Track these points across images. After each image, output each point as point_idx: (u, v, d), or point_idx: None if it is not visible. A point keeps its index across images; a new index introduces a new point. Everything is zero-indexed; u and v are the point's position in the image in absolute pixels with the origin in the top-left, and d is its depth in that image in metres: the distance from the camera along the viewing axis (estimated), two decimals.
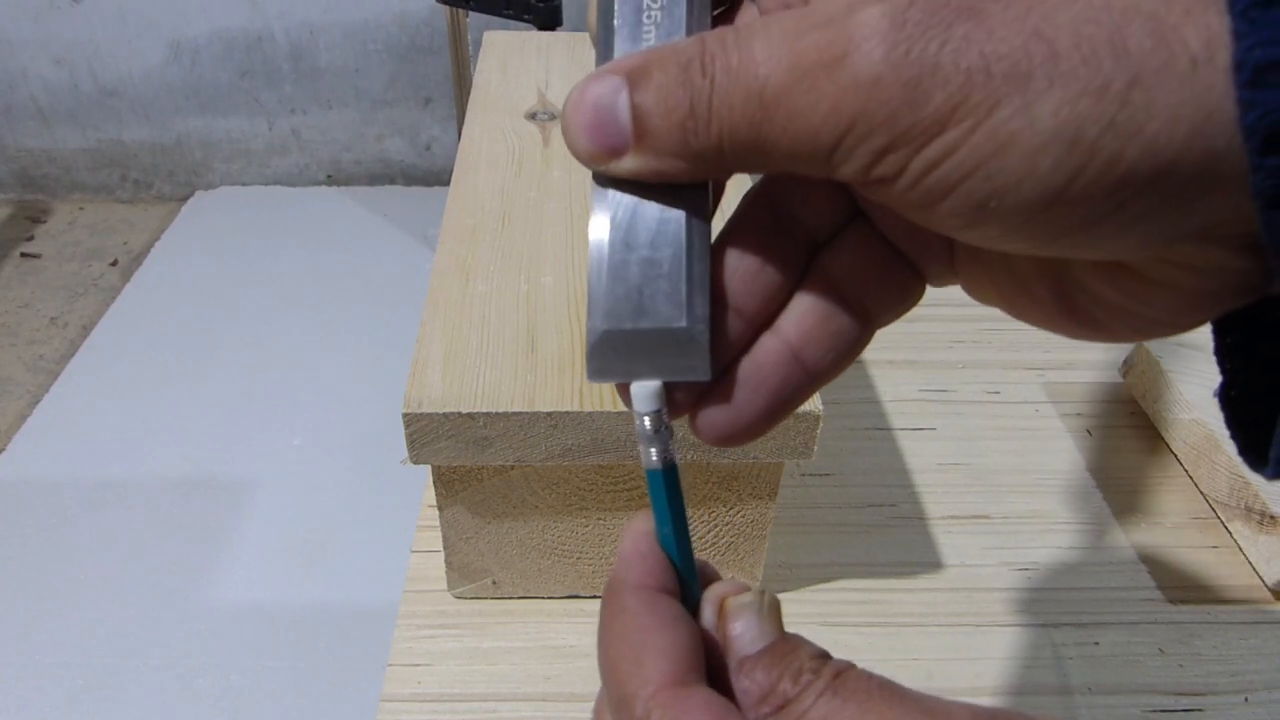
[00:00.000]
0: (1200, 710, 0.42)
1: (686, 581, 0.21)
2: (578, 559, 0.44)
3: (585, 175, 0.57)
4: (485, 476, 0.40)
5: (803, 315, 0.21)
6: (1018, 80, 0.15)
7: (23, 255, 2.13)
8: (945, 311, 0.63)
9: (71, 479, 1.51)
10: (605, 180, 0.20)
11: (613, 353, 0.20)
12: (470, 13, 1.56)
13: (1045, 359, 0.61)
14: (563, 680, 0.42)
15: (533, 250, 0.45)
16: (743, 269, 0.21)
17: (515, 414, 0.36)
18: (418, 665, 0.42)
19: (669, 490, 0.21)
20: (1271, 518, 0.47)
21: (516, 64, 0.63)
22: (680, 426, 0.21)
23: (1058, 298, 0.20)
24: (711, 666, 0.19)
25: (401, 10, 2.14)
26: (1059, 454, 0.55)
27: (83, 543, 1.40)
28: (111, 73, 2.19)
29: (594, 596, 0.45)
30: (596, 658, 0.20)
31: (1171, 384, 0.55)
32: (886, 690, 0.18)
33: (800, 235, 0.21)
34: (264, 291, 1.95)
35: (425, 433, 0.36)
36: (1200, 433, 0.52)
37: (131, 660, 1.26)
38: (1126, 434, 0.56)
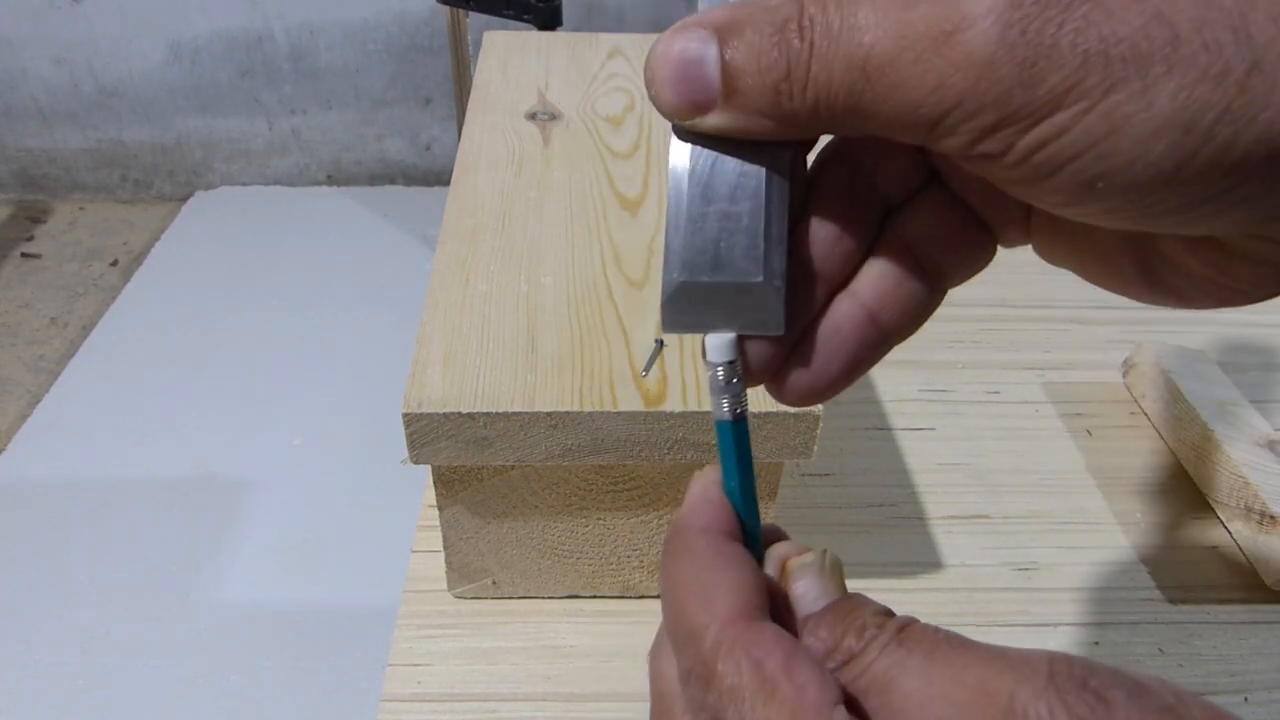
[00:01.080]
0: None
1: (752, 535, 0.21)
2: (578, 559, 0.44)
3: (585, 176, 0.56)
4: (485, 476, 0.40)
5: (878, 278, 0.21)
6: (1136, 64, 0.15)
7: (23, 255, 2.13)
8: (945, 311, 0.63)
9: (71, 479, 1.51)
10: (686, 133, 0.19)
11: (688, 304, 0.20)
12: (470, 13, 1.56)
13: (1045, 359, 0.61)
14: (563, 680, 0.42)
15: (533, 250, 0.45)
16: (818, 232, 0.21)
17: (515, 414, 0.36)
18: (418, 665, 0.42)
19: (738, 443, 0.21)
20: (1271, 518, 0.47)
21: (516, 64, 0.63)
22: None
23: (1140, 268, 0.20)
24: (775, 619, 0.19)
25: (401, 10, 2.14)
26: (1059, 454, 0.55)
27: (83, 543, 1.40)
28: (112, 73, 2.19)
29: (594, 596, 0.45)
30: (661, 599, 0.20)
31: (1171, 384, 0.55)
32: (955, 641, 0.17)
33: (874, 198, 0.21)
34: (264, 291, 1.95)
35: (425, 433, 0.36)
36: (1200, 433, 0.52)
37: (131, 660, 1.26)
38: (1126, 434, 0.56)
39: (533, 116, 0.56)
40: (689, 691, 0.18)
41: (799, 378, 0.21)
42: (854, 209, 0.21)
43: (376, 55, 2.20)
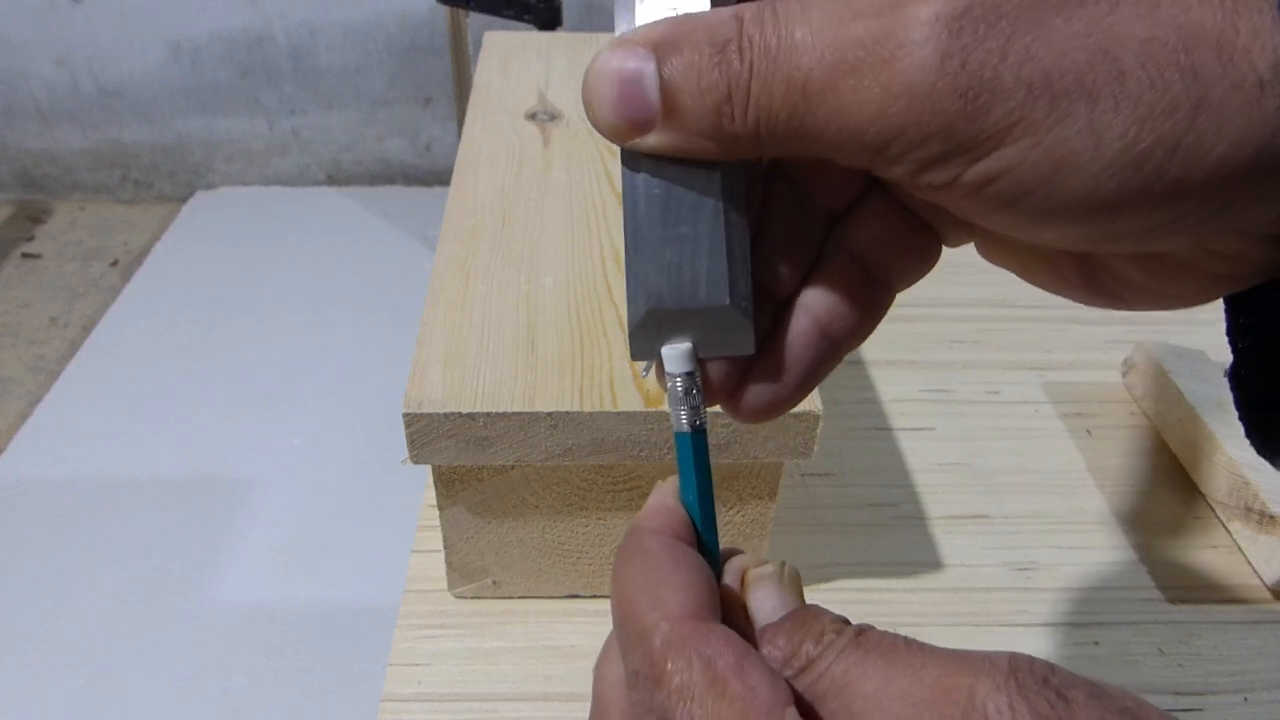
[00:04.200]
0: (1200, 710, 0.42)
1: (708, 547, 0.21)
2: (578, 559, 0.44)
3: (585, 176, 0.56)
4: (485, 476, 0.40)
5: (826, 290, 0.21)
6: (1083, 98, 0.15)
7: (23, 255, 2.13)
8: (945, 312, 0.63)
9: (71, 479, 1.51)
10: (634, 159, 0.19)
11: (656, 331, 0.20)
12: (470, 13, 1.56)
13: (1045, 359, 0.61)
14: (563, 680, 0.42)
15: (533, 250, 0.45)
16: (763, 249, 0.21)
17: (515, 414, 0.36)
18: (418, 665, 0.42)
19: (696, 455, 0.21)
20: (1271, 518, 0.47)
21: (516, 64, 0.63)
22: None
23: (1082, 275, 0.20)
24: (733, 629, 0.19)
25: (401, 10, 2.14)
26: (1059, 454, 0.55)
27: (83, 543, 1.40)
28: (112, 73, 2.19)
29: (594, 596, 0.45)
30: (611, 600, 0.19)
31: (1171, 384, 0.55)
32: (913, 644, 0.17)
33: (817, 210, 0.21)
34: (264, 291, 1.95)
35: (425, 433, 0.36)
36: (1200, 433, 0.52)
37: (131, 660, 1.26)
38: (1126, 434, 0.56)
39: (533, 116, 0.56)
40: (637, 694, 0.18)
41: (756, 395, 0.21)
42: (797, 224, 0.21)
43: (376, 55, 2.20)
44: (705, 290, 0.19)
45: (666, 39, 0.17)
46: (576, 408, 0.36)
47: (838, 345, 0.21)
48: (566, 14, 1.53)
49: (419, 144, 2.34)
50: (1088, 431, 0.56)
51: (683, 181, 0.19)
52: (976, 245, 0.22)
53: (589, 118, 0.18)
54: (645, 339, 0.20)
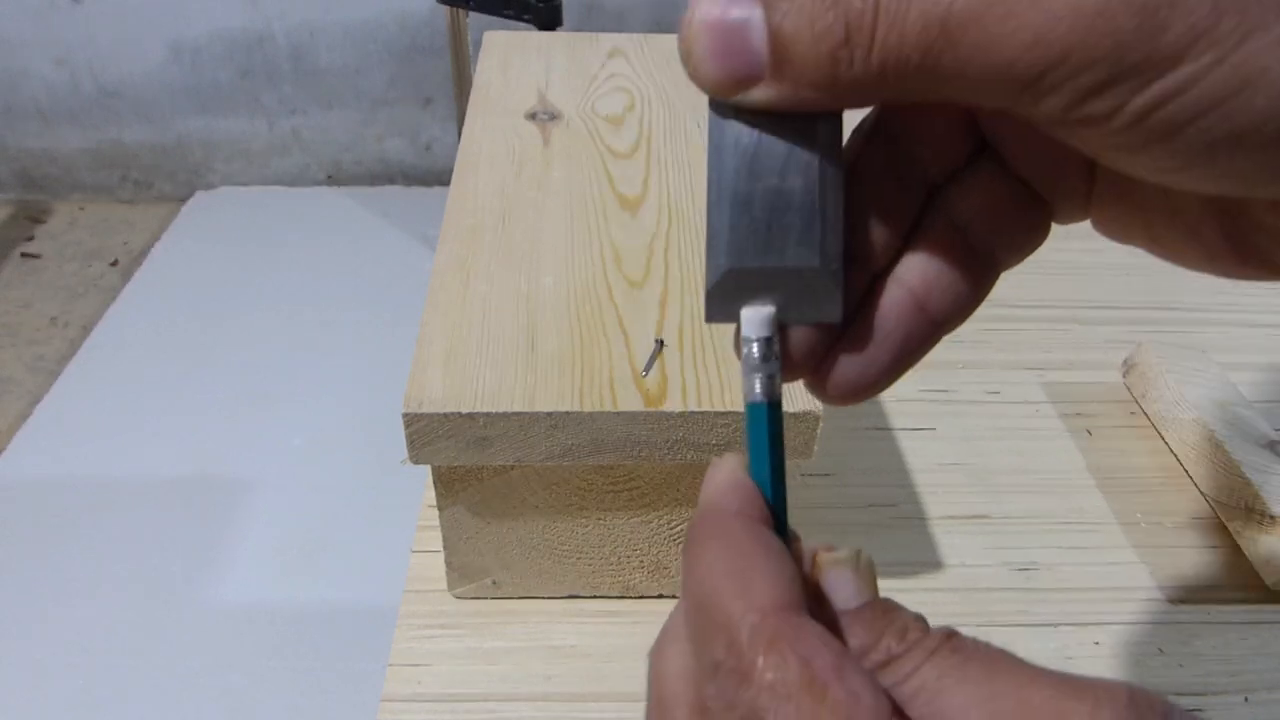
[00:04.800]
0: (1200, 710, 0.42)
1: (782, 524, 0.19)
2: (578, 559, 0.44)
3: (585, 176, 0.56)
4: (485, 476, 0.40)
5: (924, 261, 0.19)
6: (1275, 8, 0.14)
7: (23, 255, 2.13)
8: None
9: (71, 479, 1.51)
10: (725, 106, 0.17)
11: (735, 291, 0.18)
12: (470, 13, 1.56)
13: (1045, 359, 0.61)
14: (563, 680, 0.42)
15: (533, 250, 0.45)
16: (858, 213, 0.19)
17: (515, 414, 0.36)
18: (418, 665, 0.42)
19: (771, 427, 0.19)
20: (1271, 518, 0.47)
21: (516, 64, 0.63)
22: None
23: (1227, 237, 0.18)
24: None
25: (401, 10, 2.14)
26: (1059, 454, 0.55)
27: (83, 543, 1.40)
28: (112, 73, 2.19)
29: (594, 596, 0.45)
30: (684, 589, 0.17)
31: (1171, 384, 0.55)
32: (1014, 660, 0.15)
33: (917, 174, 0.20)
34: (264, 291, 1.95)
35: (425, 433, 0.36)
36: (1200, 433, 0.52)
37: (131, 660, 1.26)
38: (1126, 434, 0.56)
39: (533, 116, 0.56)
40: (714, 687, 0.16)
41: (846, 369, 0.19)
42: (895, 187, 0.19)
43: (376, 55, 2.20)
44: (793, 249, 0.18)
45: None
46: (576, 408, 0.36)
47: (936, 324, 0.20)
48: (566, 14, 1.53)
49: (419, 144, 2.34)
50: (1088, 431, 0.56)
51: (776, 131, 0.17)
52: (1095, 219, 0.20)
53: (687, 72, 0.17)
54: (723, 299, 0.18)
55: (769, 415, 0.19)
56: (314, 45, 2.18)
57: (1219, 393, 0.54)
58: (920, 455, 0.54)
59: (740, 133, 0.17)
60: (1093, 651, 0.44)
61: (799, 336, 0.19)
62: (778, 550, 0.17)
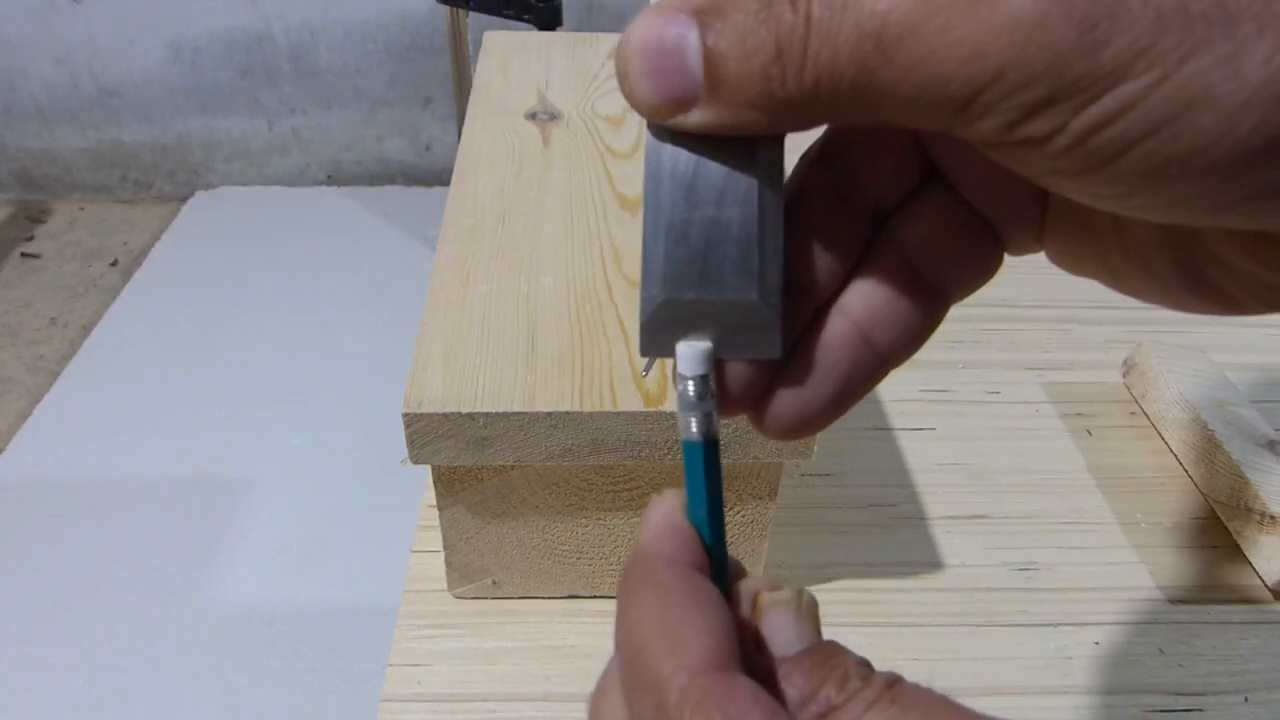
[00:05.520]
0: (1200, 710, 0.42)
1: (719, 571, 0.19)
2: (578, 559, 0.44)
3: (585, 176, 0.56)
4: (485, 476, 0.40)
5: (871, 292, 0.19)
6: (1222, 23, 0.13)
7: (23, 255, 2.13)
8: None
9: (71, 479, 1.51)
10: (663, 131, 0.17)
11: (671, 324, 0.18)
12: (470, 13, 1.56)
13: (1045, 359, 0.61)
14: (563, 680, 0.42)
15: (533, 250, 0.45)
16: (801, 242, 0.18)
17: (515, 414, 0.36)
18: (418, 665, 0.42)
19: (707, 466, 0.18)
20: (1271, 518, 0.47)
21: (516, 64, 0.63)
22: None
23: (1181, 270, 0.17)
24: (747, 661, 0.17)
25: (401, 10, 2.14)
26: (1059, 454, 0.55)
27: (83, 543, 1.41)
28: (112, 73, 2.19)
29: (594, 596, 0.45)
30: (616, 639, 0.17)
31: (1171, 384, 0.55)
32: (953, 707, 0.15)
33: (864, 202, 0.19)
34: (264, 291, 1.95)
35: (425, 433, 0.36)
36: (1200, 433, 0.52)
37: (131, 660, 1.26)
38: (1126, 434, 0.56)
39: (533, 116, 0.56)
40: None
41: (785, 404, 0.19)
42: (842, 215, 0.19)
43: (376, 55, 2.20)
44: (730, 281, 0.17)
45: (711, 2, 0.15)
46: (576, 408, 0.36)
47: (882, 358, 0.19)
48: (566, 14, 1.53)
49: (419, 144, 2.34)
50: (1088, 431, 0.56)
51: (714, 156, 0.17)
52: (1049, 251, 0.20)
53: (623, 93, 0.16)
54: (657, 333, 0.18)
55: (705, 454, 0.18)
56: (314, 45, 2.18)
57: (1219, 393, 0.54)
58: (920, 455, 0.54)
59: (678, 158, 0.17)
60: (1092, 651, 0.44)
61: (736, 371, 0.18)
62: (712, 601, 0.17)
